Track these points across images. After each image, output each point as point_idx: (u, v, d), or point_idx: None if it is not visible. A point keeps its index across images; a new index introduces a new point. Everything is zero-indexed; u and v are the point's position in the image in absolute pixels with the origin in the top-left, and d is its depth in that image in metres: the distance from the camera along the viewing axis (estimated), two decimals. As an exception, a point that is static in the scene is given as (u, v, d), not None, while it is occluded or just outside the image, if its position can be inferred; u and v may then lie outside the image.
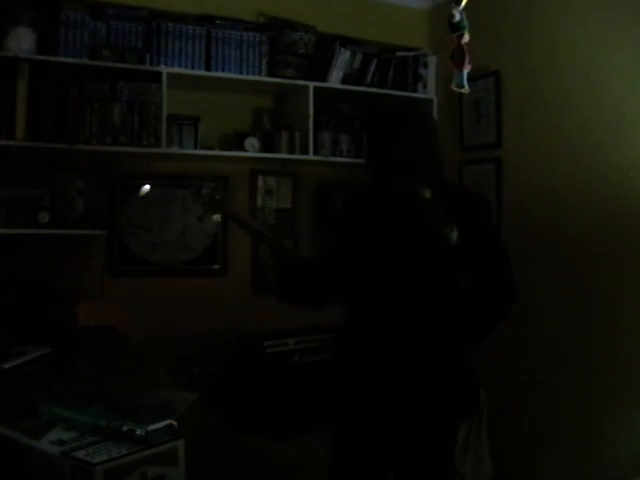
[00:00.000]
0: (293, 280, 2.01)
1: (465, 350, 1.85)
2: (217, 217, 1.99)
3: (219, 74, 2.91)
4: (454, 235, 1.76)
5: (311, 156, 3.09)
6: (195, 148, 2.93)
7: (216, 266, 3.14)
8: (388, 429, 1.83)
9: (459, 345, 1.82)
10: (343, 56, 3.20)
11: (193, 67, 2.86)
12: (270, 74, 3.03)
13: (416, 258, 1.79)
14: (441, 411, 1.78)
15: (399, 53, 3.37)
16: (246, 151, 3.00)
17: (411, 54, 3.40)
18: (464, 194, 2.05)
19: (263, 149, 3.05)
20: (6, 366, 1.34)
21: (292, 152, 3.08)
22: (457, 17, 1.79)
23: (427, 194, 1.80)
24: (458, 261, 1.80)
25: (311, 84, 3.06)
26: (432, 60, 3.44)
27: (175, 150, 2.86)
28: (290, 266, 2.02)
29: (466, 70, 1.88)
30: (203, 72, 2.88)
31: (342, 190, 3.16)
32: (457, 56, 1.86)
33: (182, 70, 2.84)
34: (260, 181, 3.24)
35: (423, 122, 1.95)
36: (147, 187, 2.99)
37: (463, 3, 1.74)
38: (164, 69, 2.78)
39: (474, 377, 1.89)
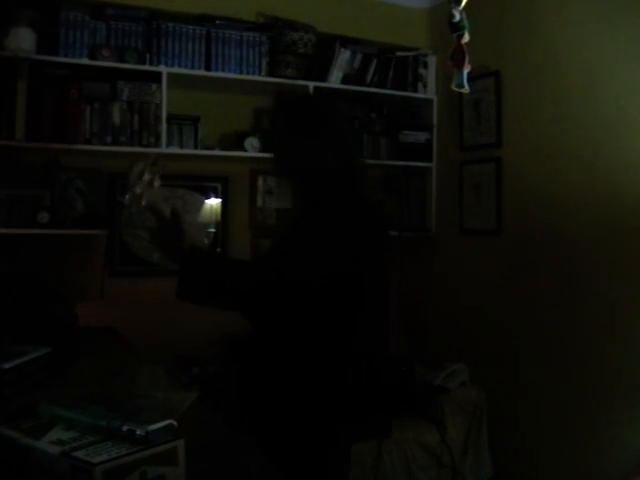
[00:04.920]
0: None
1: None
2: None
3: (219, 74, 2.91)
4: None
5: (311, 156, 3.08)
6: (195, 148, 2.93)
7: (216, 266, 3.14)
8: None
9: None
10: (343, 56, 3.20)
11: (193, 67, 2.86)
12: (270, 74, 3.03)
13: None
14: None
15: (399, 53, 3.37)
16: (246, 151, 3.00)
17: (411, 54, 3.40)
18: None
19: (263, 149, 3.05)
20: (6, 366, 1.33)
21: (292, 152, 3.08)
22: (457, 17, 1.79)
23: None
24: None
25: (311, 84, 3.07)
26: (432, 60, 3.44)
27: (175, 150, 2.86)
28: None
29: (466, 70, 1.88)
30: (203, 72, 2.88)
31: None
32: (457, 56, 1.86)
33: (182, 70, 2.84)
34: (260, 181, 3.24)
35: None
36: None
37: (463, 3, 1.74)
38: (164, 69, 2.78)
39: None
